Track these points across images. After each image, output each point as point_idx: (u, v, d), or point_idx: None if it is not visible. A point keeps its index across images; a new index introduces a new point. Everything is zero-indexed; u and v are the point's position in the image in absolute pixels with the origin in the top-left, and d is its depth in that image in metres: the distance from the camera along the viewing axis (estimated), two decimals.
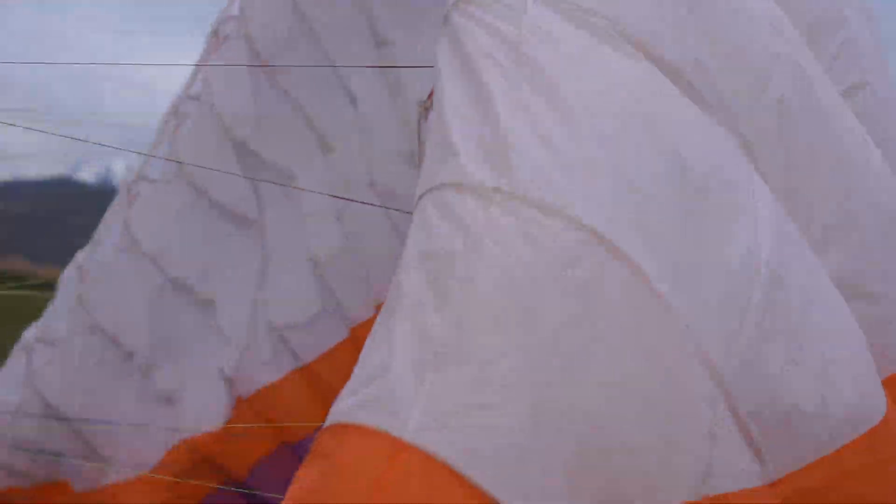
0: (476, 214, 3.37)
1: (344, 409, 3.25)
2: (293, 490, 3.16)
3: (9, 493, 8.82)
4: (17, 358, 9.35)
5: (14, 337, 9.60)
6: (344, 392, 3.31)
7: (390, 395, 3.14)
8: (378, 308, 3.53)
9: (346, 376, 3.26)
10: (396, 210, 7.59)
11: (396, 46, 7.78)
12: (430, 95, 3.95)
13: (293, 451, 8.12)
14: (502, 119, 3.46)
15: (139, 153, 9.13)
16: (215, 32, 9.20)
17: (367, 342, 3.37)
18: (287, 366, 8.23)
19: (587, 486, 3.23)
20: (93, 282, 9.06)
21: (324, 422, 3.21)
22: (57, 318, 9.24)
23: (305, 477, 3.18)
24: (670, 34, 3.80)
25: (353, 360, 3.28)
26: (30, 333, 9.48)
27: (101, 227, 9.40)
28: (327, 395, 7.83)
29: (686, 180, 3.62)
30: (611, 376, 3.31)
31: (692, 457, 3.43)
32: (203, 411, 8.53)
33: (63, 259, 9.81)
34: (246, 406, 8.30)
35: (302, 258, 8.33)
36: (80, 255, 9.58)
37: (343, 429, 3.20)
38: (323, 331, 8.08)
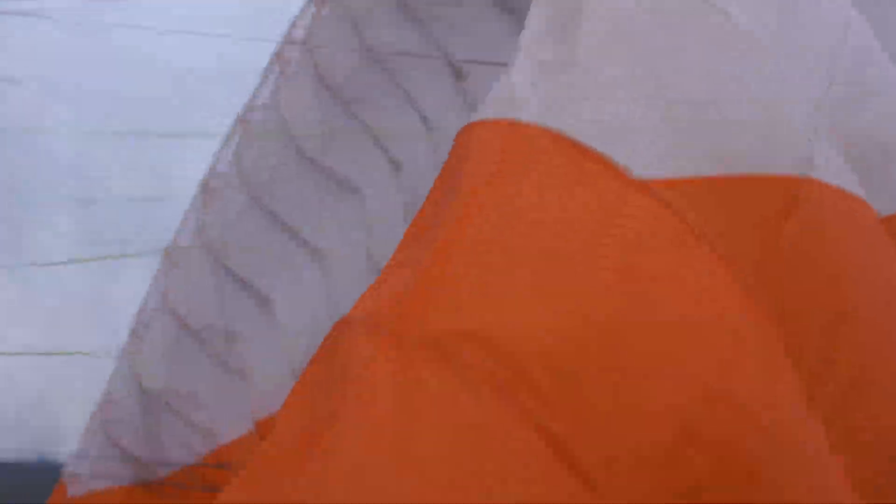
0: None
1: (470, 117, 3.77)
2: (432, 187, 3.65)
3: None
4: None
5: None
6: None
7: (510, 94, 3.63)
8: None
9: None
10: None
11: (473, 76, 8.95)
12: None
13: None
14: None
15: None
16: (279, 54, 10.41)
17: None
18: None
19: (696, 145, 3.61)
20: (171, 268, 10.26)
21: None
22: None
23: (441, 172, 3.66)
24: None
25: None
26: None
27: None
28: None
29: None
30: (715, 72, 3.77)
31: (794, 140, 3.77)
32: (272, 393, 9.69)
33: None
34: None
35: (365, 262, 9.49)
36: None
37: (469, 127, 3.68)
38: None
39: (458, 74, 9.15)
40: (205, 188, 10.48)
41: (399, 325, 3.07)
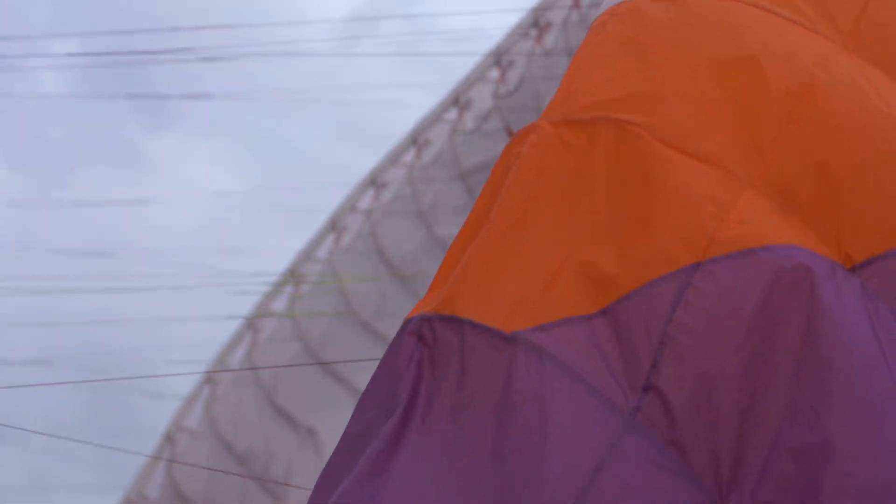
0: None
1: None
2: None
3: None
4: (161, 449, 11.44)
5: None
6: None
7: None
8: None
9: None
10: None
11: None
12: None
13: None
14: None
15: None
16: (334, 224, 11.77)
17: None
18: None
19: None
20: (219, 396, 11.40)
21: None
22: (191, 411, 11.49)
23: None
24: None
25: None
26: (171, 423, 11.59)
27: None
28: None
29: None
30: None
31: None
32: None
33: None
34: None
35: None
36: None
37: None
38: None
39: None
40: (252, 327, 11.73)
41: (547, 119, 3.34)
